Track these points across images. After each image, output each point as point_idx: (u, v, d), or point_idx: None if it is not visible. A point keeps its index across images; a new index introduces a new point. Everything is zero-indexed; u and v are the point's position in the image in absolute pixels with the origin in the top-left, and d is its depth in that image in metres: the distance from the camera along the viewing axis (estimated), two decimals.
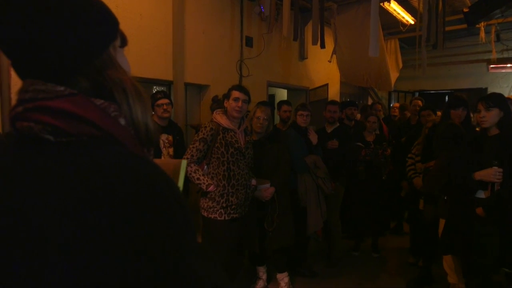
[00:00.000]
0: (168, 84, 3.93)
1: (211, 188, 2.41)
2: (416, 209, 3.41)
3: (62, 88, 0.53)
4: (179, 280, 0.50)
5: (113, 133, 0.54)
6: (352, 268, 3.62)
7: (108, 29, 0.59)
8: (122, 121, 0.57)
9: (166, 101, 3.09)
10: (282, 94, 7.15)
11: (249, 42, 4.78)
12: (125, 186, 0.48)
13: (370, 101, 7.95)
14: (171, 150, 3.13)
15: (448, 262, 2.81)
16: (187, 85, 4.11)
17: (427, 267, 3.28)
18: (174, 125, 3.35)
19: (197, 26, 4.03)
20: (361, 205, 3.78)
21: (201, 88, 4.35)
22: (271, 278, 3.26)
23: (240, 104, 2.45)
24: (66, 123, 0.51)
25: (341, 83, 6.94)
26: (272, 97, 7.38)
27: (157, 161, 0.90)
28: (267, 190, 2.80)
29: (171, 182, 0.55)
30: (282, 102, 3.87)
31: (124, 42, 0.65)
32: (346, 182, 3.67)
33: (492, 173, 2.17)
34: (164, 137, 3.10)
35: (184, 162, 0.81)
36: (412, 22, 6.09)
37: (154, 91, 3.32)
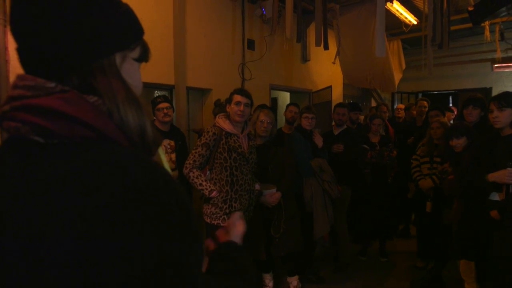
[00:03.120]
0: (170, 88, 3.88)
1: (214, 194, 2.35)
2: (422, 211, 3.33)
3: (52, 85, 0.51)
4: (172, 278, 0.48)
5: (107, 132, 0.52)
6: (360, 273, 3.55)
7: (119, 38, 0.58)
8: (114, 120, 0.54)
9: (166, 105, 3.04)
10: (285, 97, 7.09)
11: (251, 45, 4.74)
12: (118, 184, 0.46)
13: (373, 103, 7.89)
14: (173, 156, 3.07)
15: (463, 268, 2.70)
16: (189, 89, 4.06)
17: (437, 271, 3.20)
18: (176, 130, 3.30)
19: (198, 30, 3.99)
20: (368, 208, 3.71)
21: (203, 92, 4.30)
22: (278, 285, 3.18)
23: (242, 108, 2.39)
24: (55, 124, 0.48)
25: (344, 85, 6.88)
26: (274, 100, 7.32)
27: None
28: (273, 195, 2.72)
29: (170, 181, 0.52)
30: (289, 104, 3.84)
31: (144, 57, 0.64)
32: (353, 185, 3.60)
33: (506, 175, 2.09)
34: (166, 142, 3.05)
35: (160, 150, 0.74)
36: (415, 22, 6.03)
37: (155, 96, 3.27)
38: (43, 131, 0.48)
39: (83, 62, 0.53)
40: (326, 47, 3.78)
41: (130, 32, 0.60)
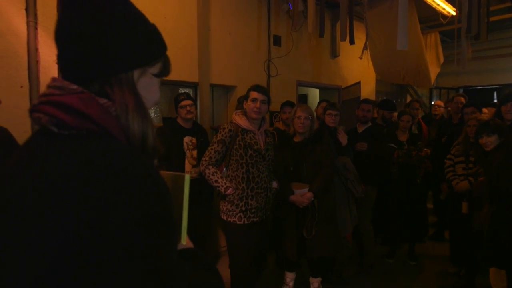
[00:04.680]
0: (194, 86, 3.93)
1: (229, 191, 2.34)
2: (457, 214, 3.13)
3: (75, 87, 0.61)
4: (148, 265, 0.54)
5: (111, 129, 0.60)
6: (386, 276, 3.41)
7: (139, 56, 0.65)
8: (121, 123, 0.63)
9: (189, 102, 3.07)
10: (314, 94, 6.97)
11: (277, 41, 4.68)
12: (103, 176, 0.54)
13: (409, 99, 7.54)
14: (194, 153, 3.11)
15: (493, 276, 2.52)
16: (213, 86, 4.09)
17: (470, 278, 3.00)
18: (199, 127, 3.33)
19: (222, 27, 4.00)
20: (395, 209, 3.55)
21: (228, 89, 4.31)
22: (298, 284, 3.13)
23: (258, 105, 2.36)
24: (69, 116, 0.58)
25: (377, 80, 6.63)
26: (304, 96, 7.22)
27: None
28: (304, 195, 2.61)
29: (156, 179, 0.59)
30: (321, 100, 3.75)
31: (164, 73, 0.72)
32: (379, 185, 3.45)
33: None
34: (188, 139, 3.08)
35: (187, 177, 0.79)
36: (454, 13, 5.67)
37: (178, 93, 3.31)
38: (58, 122, 0.57)
39: (103, 75, 0.63)
40: (352, 42, 3.64)
41: (151, 51, 0.68)
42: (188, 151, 3.07)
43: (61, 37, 0.63)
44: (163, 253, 0.57)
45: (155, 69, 0.69)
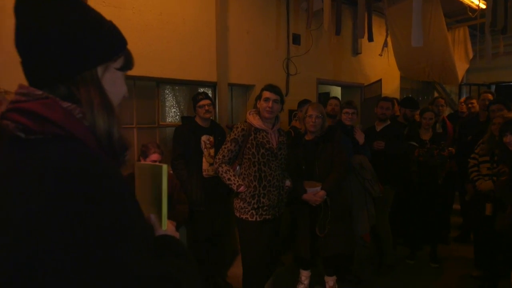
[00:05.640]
0: (213, 85, 3.99)
1: (241, 189, 2.38)
2: (481, 215, 3.02)
3: (40, 92, 0.64)
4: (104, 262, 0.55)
5: (75, 131, 0.62)
6: (405, 278, 3.34)
7: (100, 54, 0.69)
8: (86, 123, 0.66)
9: (207, 102, 3.13)
10: (336, 92, 6.88)
11: (296, 39, 4.67)
12: (54, 177, 0.55)
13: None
14: (212, 151, 3.16)
15: None
16: (232, 85, 4.14)
17: (493, 281, 2.89)
18: (216, 126, 3.38)
19: (241, 27, 4.04)
20: (414, 209, 3.47)
21: (246, 89, 4.35)
22: (314, 283, 3.13)
23: (270, 104, 2.39)
24: (32, 122, 0.60)
25: (402, 78, 6.45)
26: (326, 95, 7.14)
27: (138, 164, 0.92)
28: (316, 193, 2.64)
29: (112, 180, 0.61)
30: (330, 97, 3.72)
31: (127, 66, 0.75)
32: (398, 184, 3.38)
33: None
34: (205, 138, 3.14)
35: (164, 167, 0.83)
36: (484, 6, 5.43)
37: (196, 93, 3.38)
38: (24, 128, 0.60)
39: (66, 76, 0.65)
40: (370, 39, 3.58)
41: (111, 47, 0.71)
42: (205, 149, 3.13)
43: (21, 44, 0.65)
44: (117, 253, 0.56)
45: (118, 63, 0.73)
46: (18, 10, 0.65)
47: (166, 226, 0.84)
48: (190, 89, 3.91)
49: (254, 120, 2.45)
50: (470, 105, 4.27)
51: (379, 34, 5.16)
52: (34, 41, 0.64)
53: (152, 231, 0.81)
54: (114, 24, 0.74)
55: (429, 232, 3.56)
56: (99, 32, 0.69)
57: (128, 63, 0.76)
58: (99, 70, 0.69)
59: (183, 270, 0.71)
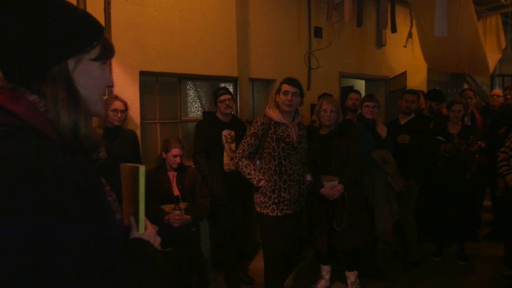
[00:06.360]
0: (234, 80, 4.01)
1: (262, 183, 2.39)
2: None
3: (11, 86, 0.64)
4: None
5: (37, 125, 0.62)
6: (430, 275, 3.26)
7: (68, 46, 0.65)
8: (50, 116, 0.64)
9: (228, 96, 3.15)
10: (360, 85, 6.74)
11: (318, 32, 4.60)
12: (13, 171, 0.55)
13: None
14: (233, 146, 3.19)
15: None
16: (253, 80, 4.14)
17: None
18: (238, 120, 3.40)
19: (261, 22, 4.03)
20: (441, 206, 3.36)
21: (268, 83, 4.34)
22: (336, 278, 3.10)
23: (289, 97, 2.37)
24: (1, 115, 0.61)
25: (429, 70, 6.23)
26: (350, 88, 7.01)
27: (122, 165, 0.91)
28: (334, 188, 2.62)
29: (63, 175, 0.58)
30: (351, 91, 3.65)
31: (105, 55, 0.71)
32: (423, 179, 3.29)
33: None
34: (226, 132, 3.17)
35: (141, 168, 0.79)
36: None
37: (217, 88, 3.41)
38: None
39: (35, 73, 0.64)
40: (393, 30, 3.47)
41: (81, 38, 0.67)
42: (226, 144, 3.16)
43: None
44: (52, 263, 0.54)
45: (92, 54, 0.69)
46: None
47: (144, 229, 0.81)
48: (212, 84, 3.95)
49: (273, 114, 2.44)
50: (509, 96, 4.04)
51: (404, 25, 4.99)
52: (1, 40, 0.63)
53: (121, 233, 0.77)
54: (86, 12, 0.70)
55: (457, 229, 3.44)
56: (65, 25, 0.65)
57: (107, 51, 0.72)
58: (70, 63, 0.67)
59: (141, 277, 0.69)
